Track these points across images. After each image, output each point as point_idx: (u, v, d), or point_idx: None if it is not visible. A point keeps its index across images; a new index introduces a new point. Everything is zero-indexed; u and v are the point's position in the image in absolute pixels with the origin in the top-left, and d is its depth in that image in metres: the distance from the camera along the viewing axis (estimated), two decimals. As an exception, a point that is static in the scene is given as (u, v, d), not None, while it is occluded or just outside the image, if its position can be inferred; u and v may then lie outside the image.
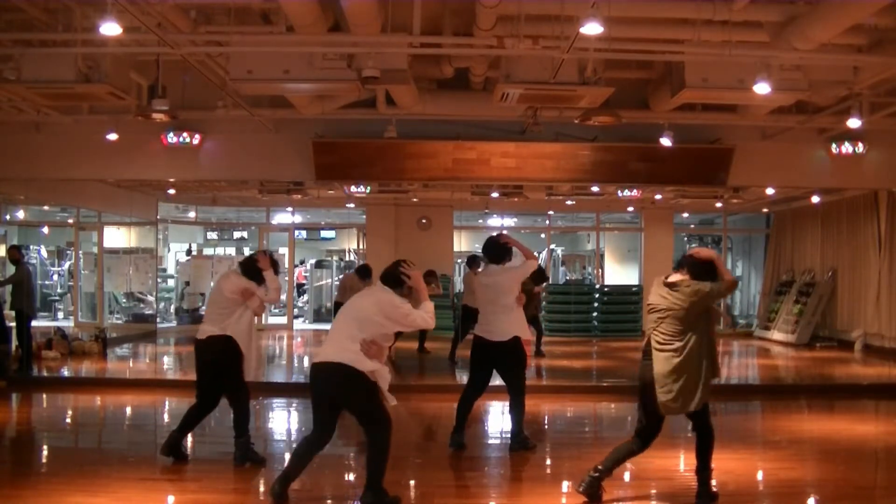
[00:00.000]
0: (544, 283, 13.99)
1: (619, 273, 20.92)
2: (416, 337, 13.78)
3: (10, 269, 11.48)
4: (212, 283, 18.79)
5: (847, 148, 11.82)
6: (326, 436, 5.27)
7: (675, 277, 5.23)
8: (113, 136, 11.04)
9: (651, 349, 5.17)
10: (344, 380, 5.04)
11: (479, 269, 13.07)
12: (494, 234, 7.47)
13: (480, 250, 7.37)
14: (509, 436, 6.97)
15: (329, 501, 5.76)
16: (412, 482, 6.05)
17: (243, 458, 6.30)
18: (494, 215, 19.96)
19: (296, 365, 13.97)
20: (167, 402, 9.81)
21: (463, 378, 11.59)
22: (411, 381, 11.31)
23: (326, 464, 6.40)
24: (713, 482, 5.29)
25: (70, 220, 17.66)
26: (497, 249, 7.02)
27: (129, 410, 9.28)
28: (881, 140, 11.83)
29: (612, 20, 6.78)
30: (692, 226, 20.92)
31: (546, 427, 8.68)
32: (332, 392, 5.14)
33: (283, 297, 19.76)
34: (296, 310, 19.92)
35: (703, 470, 5.23)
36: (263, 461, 6.37)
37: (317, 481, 6.08)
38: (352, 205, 18.68)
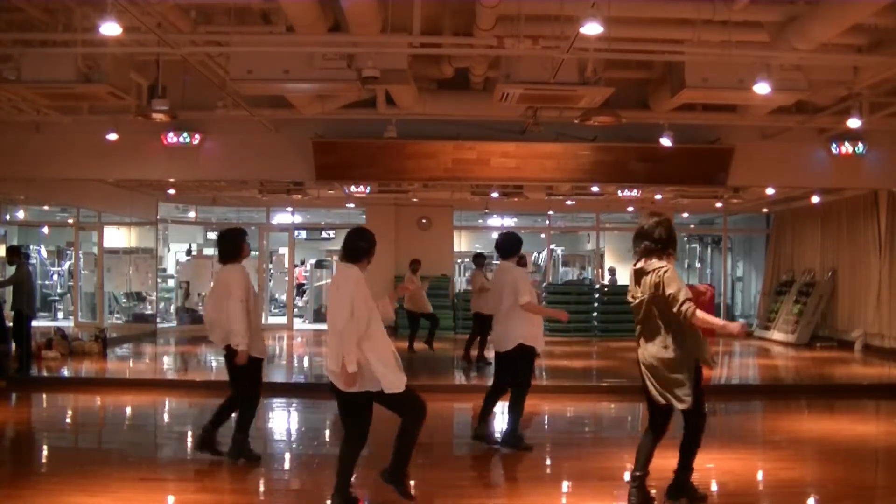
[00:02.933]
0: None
1: (619, 273, 20.92)
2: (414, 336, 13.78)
3: (11, 270, 11.47)
4: (212, 283, 18.79)
5: (847, 148, 11.81)
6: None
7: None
8: (113, 136, 11.04)
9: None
10: None
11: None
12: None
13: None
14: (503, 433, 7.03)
15: (329, 502, 5.75)
16: (412, 482, 6.04)
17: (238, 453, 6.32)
18: (494, 215, 19.97)
19: (296, 365, 13.99)
20: (167, 402, 9.81)
21: (461, 378, 11.64)
22: (410, 382, 11.28)
23: (327, 464, 6.40)
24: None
25: (70, 220, 17.65)
26: (506, 243, 7.02)
27: (129, 410, 9.28)
28: (881, 140, 11.83)
29: (612, 20, 6.78)
30: (692, 226, 20.93)
31: (546, 427, 8.68)
32: None
33: (283, 296, 19.78)
34: (296, 310, 19.92)
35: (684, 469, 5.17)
36: (258, 458, 6.38)
37: (317, 481, 6.09)
38: (352, 205, 18.69)
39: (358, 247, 5.18)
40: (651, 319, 5.02)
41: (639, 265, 5.10)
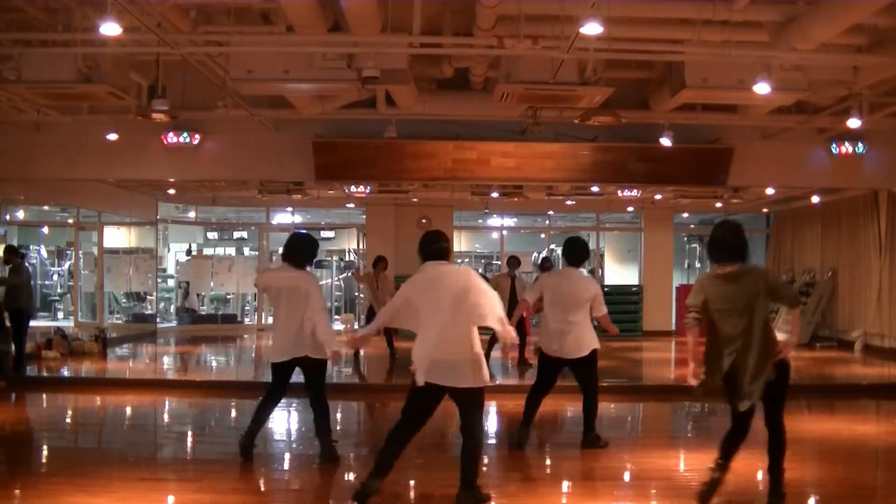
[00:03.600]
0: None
1: (619, 273, 20.93)
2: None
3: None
4: (212, 283, 18.84)
5: (847, 148, 11.81)
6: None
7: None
8: (113, 136, 11.05)
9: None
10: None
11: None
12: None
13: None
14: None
15: (330, 502, 5.75)
16: (412, 482, 6.05)
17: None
18: (494, 215, 19.97)
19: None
20: (167, 402, 9.81)
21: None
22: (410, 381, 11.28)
23: (327, 464, 6.40)
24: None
25: (70, 220, 17.64)
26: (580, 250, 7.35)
27: (129, 410, 9.28)
28: (881, 140, 11.83)
29: (612, 20, 6.78)
30: (692, 226, 20.91)
31: (546, 427, 8.67)
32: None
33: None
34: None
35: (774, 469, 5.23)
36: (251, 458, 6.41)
37: (317, 481, 6.09)
38: (352, 205, 18.68)
39: (443, 248, 5.34)
40: (757, 318, 4.98)
41: (727, 270, 5.01)
